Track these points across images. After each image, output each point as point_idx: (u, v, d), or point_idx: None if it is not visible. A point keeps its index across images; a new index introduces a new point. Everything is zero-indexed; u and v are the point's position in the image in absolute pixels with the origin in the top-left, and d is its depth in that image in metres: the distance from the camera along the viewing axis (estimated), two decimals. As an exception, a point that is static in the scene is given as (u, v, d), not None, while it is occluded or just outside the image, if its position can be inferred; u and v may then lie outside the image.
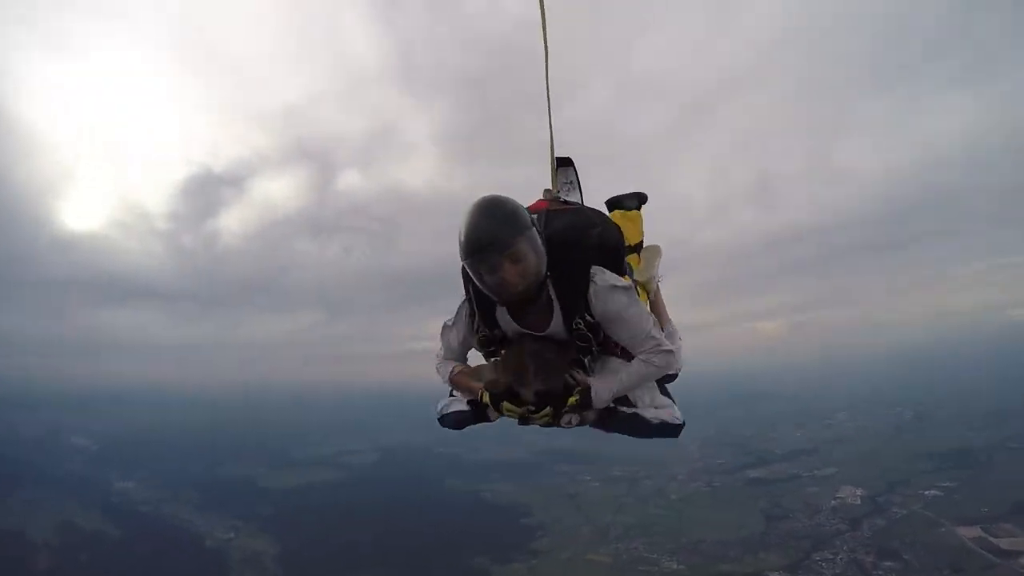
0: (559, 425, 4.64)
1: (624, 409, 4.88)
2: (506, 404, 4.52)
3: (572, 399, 4.52)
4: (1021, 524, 64.15)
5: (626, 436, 5.13)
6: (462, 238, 4.32)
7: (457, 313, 5.02)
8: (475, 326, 4.94)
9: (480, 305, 4.81)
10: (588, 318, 4.55)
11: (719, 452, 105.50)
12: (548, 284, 4.56)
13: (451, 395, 5.26)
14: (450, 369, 5.13)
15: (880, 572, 60.66)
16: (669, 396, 5.22)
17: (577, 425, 4.71)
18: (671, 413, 5.02)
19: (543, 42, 5.25)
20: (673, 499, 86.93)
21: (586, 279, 4.48)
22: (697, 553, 69.13)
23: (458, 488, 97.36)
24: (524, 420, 4.62)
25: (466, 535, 78.36)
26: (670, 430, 4.98)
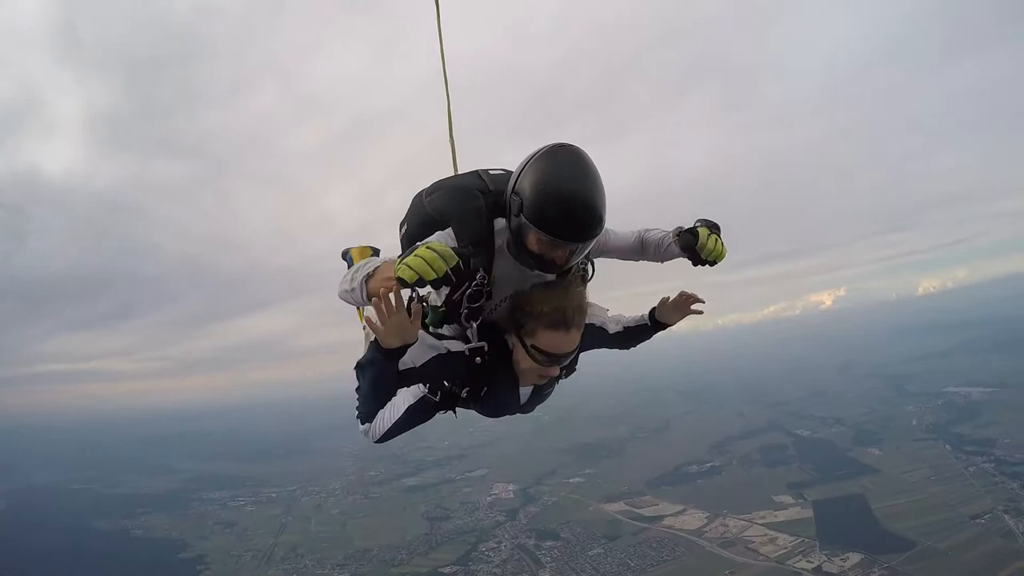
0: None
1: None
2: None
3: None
4: (658, 495, 75.36)
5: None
6: (558, 210, 3.49)
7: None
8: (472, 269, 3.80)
9: (481, 246, 3.85)
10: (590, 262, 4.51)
11: (371, 464, 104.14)
12: None
13: (367, 397, 3.95)
14: (378, 265, 3.80)
15: (543, 551, 65.05)
16: None
17: None
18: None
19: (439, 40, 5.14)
20: (334, 513, 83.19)
21: None
22: (367, 561, 67.71)
23: (104, 528, 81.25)
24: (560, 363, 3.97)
25: (123, 577, 67.37)
26: None
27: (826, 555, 54.80)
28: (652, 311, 4.88)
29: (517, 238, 3.76)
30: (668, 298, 4.73)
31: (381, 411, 3.99)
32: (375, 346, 3.54)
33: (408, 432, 4.24)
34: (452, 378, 4.03)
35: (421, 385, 4.04)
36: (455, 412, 4.39)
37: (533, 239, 3.66)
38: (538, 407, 4.66)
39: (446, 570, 63.42)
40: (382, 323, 3.36)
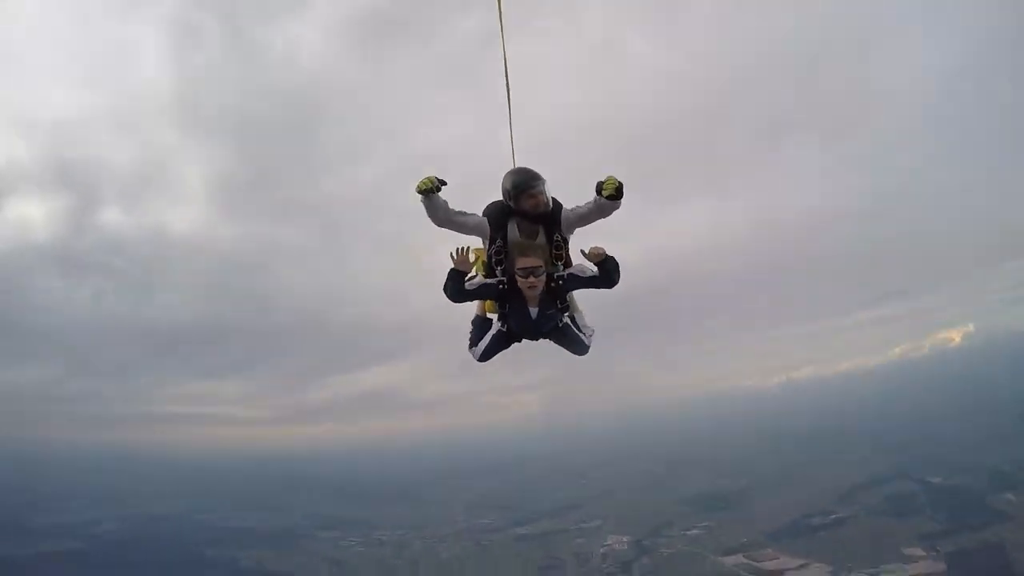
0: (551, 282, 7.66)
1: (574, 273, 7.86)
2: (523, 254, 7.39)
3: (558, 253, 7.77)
4: (779, 548, 72.30)
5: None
6: (518, 176, 7.36)
7: (483, 217, 7.70)
8: (493, 239, 7.65)
9: (500, 230, 7.63)
10: (561, 233, 7.70)
11: (485, 513, 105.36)
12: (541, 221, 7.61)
13: (475, 332, 8.43)
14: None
15: (656, 605, 62.87)
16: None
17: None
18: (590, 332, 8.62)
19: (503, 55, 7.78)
20: (444, 558, 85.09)
21: (559, 211, 7.60)
22: (476, 608, 68.06)
23: (216, 557, 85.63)
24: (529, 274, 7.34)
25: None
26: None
27: (961, 612, 51.59)
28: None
29: (515, 209, 7.41)
30: (583, 250, 7.49)
31: (481, 341, 8.18)
32: (451, 271, 7.36)
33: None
34: (492, 296, 7.74)
35: (499, 323, 8.06)
36: (519, 341, 8.16)
37: (519, 199, 7.28)
38: (577, 353, 8.47)
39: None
40: (455, 260, 7.32)
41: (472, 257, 7.49)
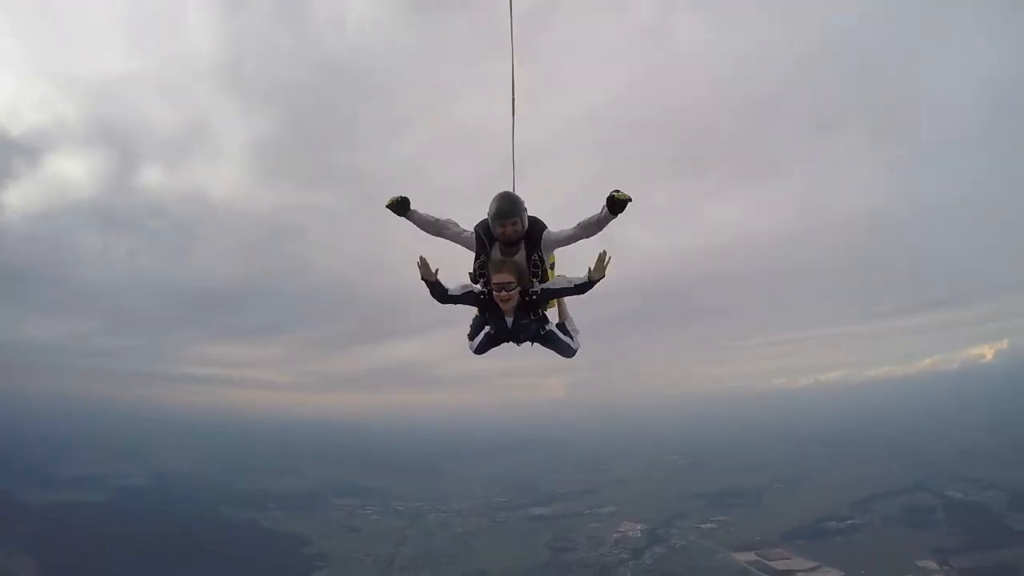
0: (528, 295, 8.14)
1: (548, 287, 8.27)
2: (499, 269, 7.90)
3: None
4: (792, 548, 72.34)
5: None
6: (495, 204, 7.88)
7: (472, 232, 8.29)
8: (478, 253, 8.28)
9: (484, 247, 8.22)
10: (540, 253, 8.16)
11: (502, 491, 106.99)
12: (522, 241, 8.14)
13: (474, 327, 8.74)
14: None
15: (664, 595, 63.20)
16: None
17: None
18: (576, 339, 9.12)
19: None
20: (458, 532, 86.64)
21: (540, 233, 8.10)
22: (482, 582, 68.85)
23: (234, 517, 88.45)
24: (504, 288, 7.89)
25: (244, 564, 72.32)
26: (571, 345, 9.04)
27: (967, 632, 51.38)
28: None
29: (491, 233, 8.03)
30: (591, 267, 7.80)
31: (476, 336, 8.58)
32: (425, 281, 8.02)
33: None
34: (473, 304, 8.35)
35: (489, 327, 8.44)
36: (507, 341, 8.60)
37: (493, 226, 7.90)
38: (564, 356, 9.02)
39: (562, 601, 64.27)
40: (421, 270, 7.94)
41: (433, 267, 8.12)
